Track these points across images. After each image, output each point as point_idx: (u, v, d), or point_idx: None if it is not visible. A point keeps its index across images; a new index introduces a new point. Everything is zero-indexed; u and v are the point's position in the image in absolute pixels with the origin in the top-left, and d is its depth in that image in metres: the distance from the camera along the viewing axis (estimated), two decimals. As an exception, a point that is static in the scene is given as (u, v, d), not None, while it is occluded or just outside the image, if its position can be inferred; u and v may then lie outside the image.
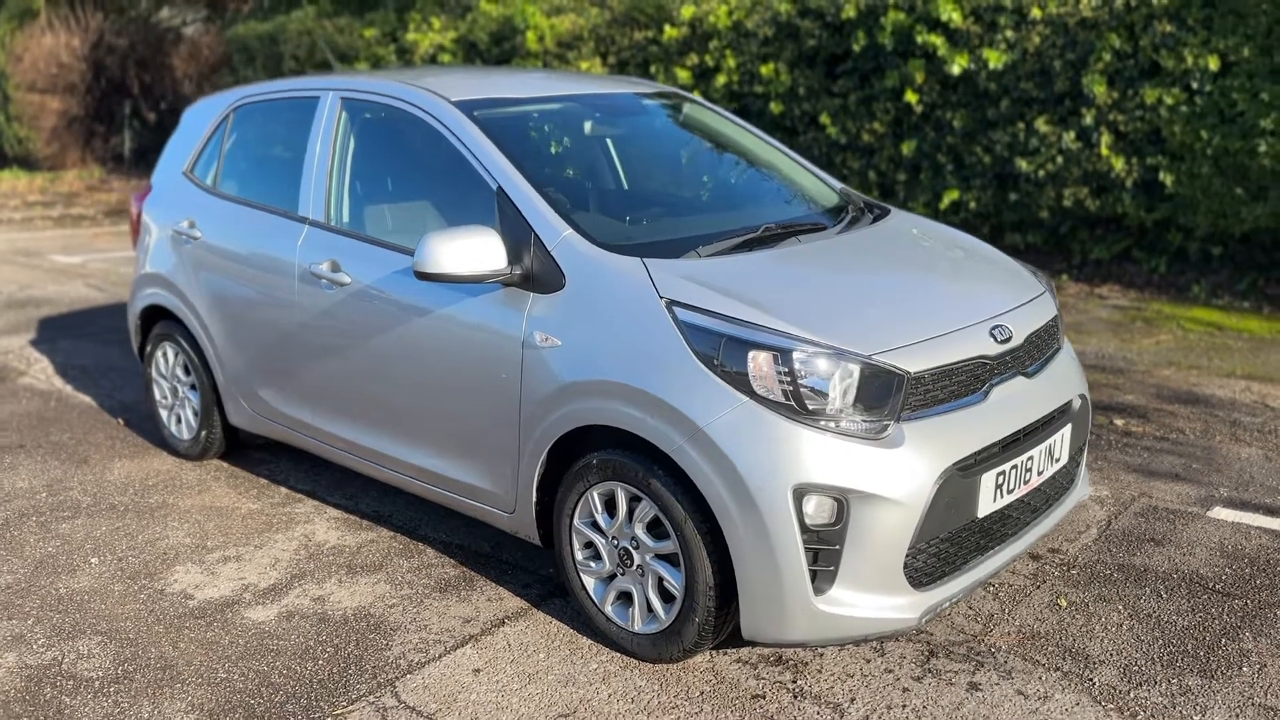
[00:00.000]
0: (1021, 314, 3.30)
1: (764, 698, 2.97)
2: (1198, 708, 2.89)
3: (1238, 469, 4.55)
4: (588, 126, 4.10)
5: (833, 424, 2.80)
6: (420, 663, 3.19)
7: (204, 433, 4.76)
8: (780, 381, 2.82)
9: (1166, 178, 7.86)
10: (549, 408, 3.20)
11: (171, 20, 19.92)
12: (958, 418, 2.96)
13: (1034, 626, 3.32)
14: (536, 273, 3.27)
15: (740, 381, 2.84)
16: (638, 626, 3.15)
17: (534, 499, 3.36)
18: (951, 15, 8.45)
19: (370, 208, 4.00)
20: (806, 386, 2.81)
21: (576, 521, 3.25)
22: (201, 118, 4.80)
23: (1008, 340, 3.14)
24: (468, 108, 3.70)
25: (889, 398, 2.85)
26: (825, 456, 2.76)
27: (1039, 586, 3.57)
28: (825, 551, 2.79)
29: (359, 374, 3.85)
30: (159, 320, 4.92)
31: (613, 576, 3.22)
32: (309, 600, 3.60)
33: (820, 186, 4.17)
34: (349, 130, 4.05)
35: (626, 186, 4.17)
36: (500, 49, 12.12)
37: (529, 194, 3.37)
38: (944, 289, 3.41)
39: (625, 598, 3.21)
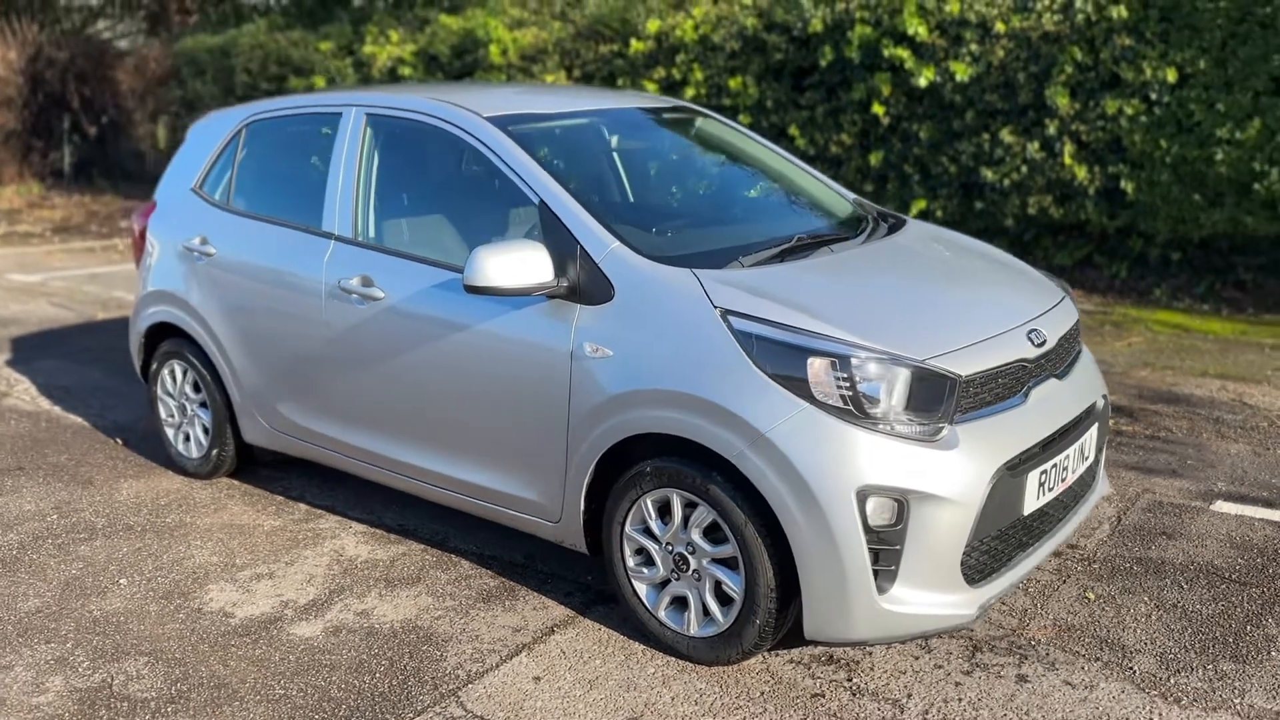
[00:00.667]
0: (1051, 318, 3.43)
1: (823, 696, 3.06)
2: (1236, 691, 3.04)
3: (1229, 464, 4.75)
4: (614, 140, 4.17)
5: (891, 427, 2.90)
6: (479, 672, 3.22)
7: (215, 450, 4.72)
8: (838, 387, 2.91)
9: (1127, 185, 8.14)
10: (600, 417, 3.26)
11: (103, 33, 19.55)
12: (1003, 419, 3.08)
13: (1067, 620, 3.45)
14: (583, 285, 3.33)
15: (799, 387, 2.93)
16: (694, 630, 3.21)
17: (582, 508, 3.41)
18: (918, 29, 8.66)
19: (402, 223, 4.03)
20: (864, 391, 2.91)
21: (628, 528, 3.31)
22: (209, 134, 4.78)
23: (1043, 344, 3.28)
24: (501, 123, 3.75)
25: (943, 401, 2.95)
26: (886, 459, 2.86)
27: (1065, 581, 3.71)
28: (886, 551, 2.89)
29: (393, 388, 3.86)
30: (165, 338, 4.87)
31: (666, 582, 3.28)
32: (353, 615, 3.60)
33: (835, 197, 4.29)
34: (375, 146, 4.07)
35: (655, 199, 4.24)
36: (462, 62, 12.12)
37: (573, 207, 3.42)
38: (978, 295, 3.54)
39: (679, 602, 3.27)
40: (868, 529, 2.85)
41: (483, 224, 3.85)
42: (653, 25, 10.39)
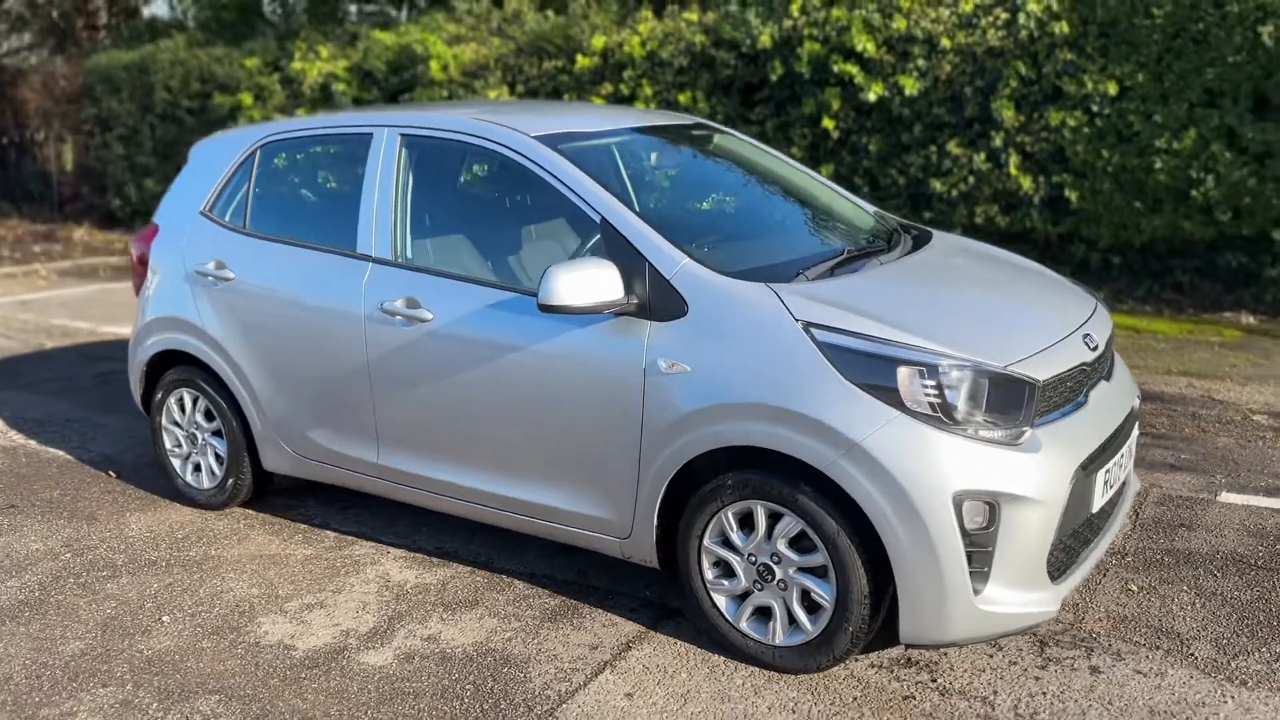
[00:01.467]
0: (1097, 322, 3.60)
1: (914, 698, 3.14)
2: (1294, 671, 3.23)
3: (1220, 457, 5.02)
4: (653, 157, 4.21)
5: (979, 433, 3.01)
6: (569, 692, 3.22)
7: (231, 480, 4.60)
8: (926, 395, 3.01)
9: (1071, 194, 8.50)
10: (677, 432, 3.29)
11: (3, 55, 18.76)
12: (1072, 421, 3.22)
13: (1119, 612, 3.61)
14: (653, 301, 3.36)
15: (890, 396, 3.02)
16: (779, 639, 3.27)
17: (655, 523, 3.43)
18: (866, 46, 8.91)
19: (446, 243, 4.00)
20: (951, 399, 3.01)
21: (707, 541, 3.35)
22: (217, 156, 4.66)
23: (1096, 348, 3.43)
24: (551, 142, 3.76)
25: (1023, 405, 3.07)
26: (978, 463, 2.96)
27: (1104, 575, 3.87)
28: (979, 553, 2.99)
29: (443, 409, 3.83)
30: (172, 366, 4.73)
31: (748, 593, 3.33)
32: (420, 641, 3.56)
33: (857, 209, 4.40)
34: (412, 167, 4.03)
35: (700, 215, 4.28)
36: (399, 78, 12.00)
37: (638, 225, 3.45)
38: (1031, 303, 3.68)
39: (761, 613, 3.32)
40: (963, 532, 2.95)
41: (534, 243, 3.85)
42: (598, 41, 10.45)
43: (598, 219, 3.53)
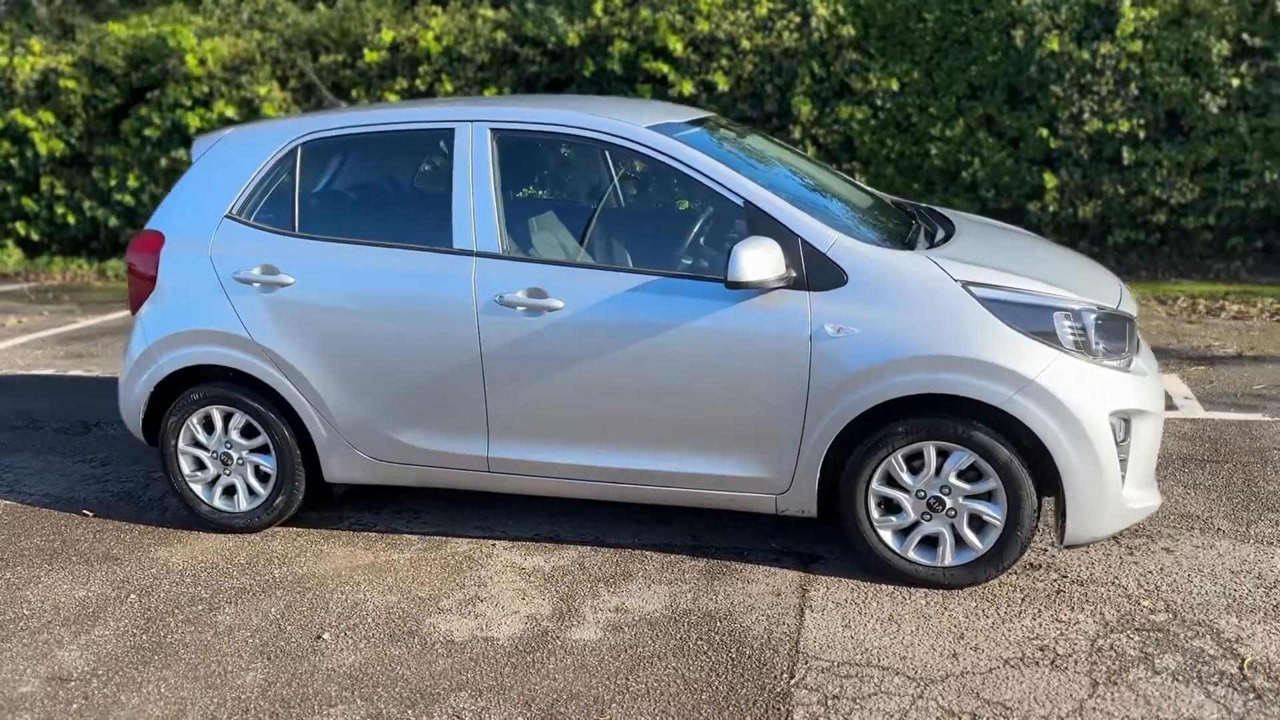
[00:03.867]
0: (1125, 287, 4.39)
1: (1063, 590, 3.77)
2: (1294, 529, 4.21)
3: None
4: (726, 145, 4.46)
5: (1111, 362, 3.68)
6: (793, 631, 3.53)
7: (281, 498, 4.37)
8: (1073, 335, 3.64)
9: (860, 179, 9.61)
10: (846, 390, 3.69)
11: None
12: (1141, 355, 3.97)
13: (1142, 506, 4.45)
14: (809, 273, 3.73)
15: (1049, 340, 3.61)
16: (949, 561, 3.77)
17: (818, 476, 3.81)
18: (675, 45, 9.52)
19: (563, 233, 4.08)
20: (1090, 337, 3.65)
21: (875, 485, 3.78)
22: (239, 156, 4.35)
23: (1132, 304, 4.22)
24: (667, 130, 3.99)
25: (1129, 339, 3.79)
26: (1117, 387, 3.64)
27: (1107, 481, 4.72)
28: (1121, 461, 3.66)
29: (576, 393, 3.95)
30: (192, 385, 4.39)
31: (914, 526, 3.79)
32: (611, 613, 3.70)
33: (882, 199, 4.90)
34: (509, 161, 4.07)
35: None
36: (142, 73, 11.04)
37: (784, 205, 3.81)
38: (1082, 268, 4.35)
39: (926, 541, 3.80)
40: (1116, 444, 3.60)
41: (666, 228, 4.04)
42: (388, 35, 10.29)
43: (740, 202, 3.83)
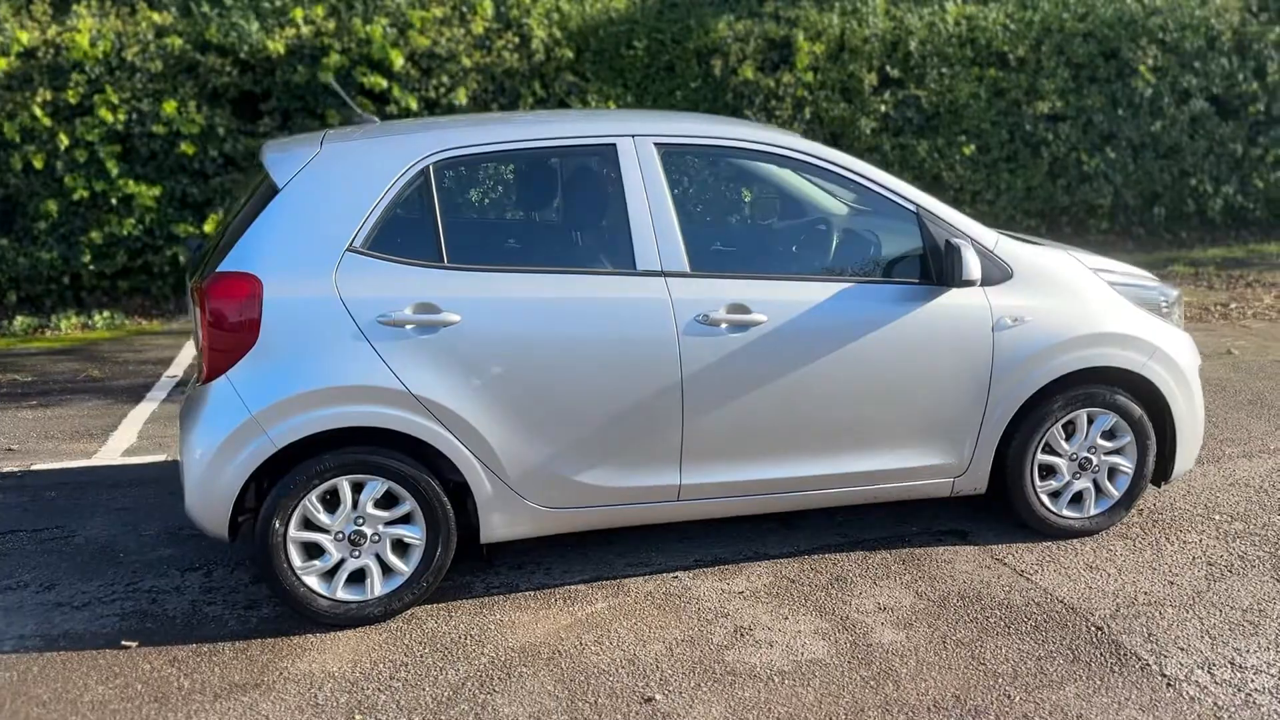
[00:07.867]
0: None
1: (1173, 522, 4.51)
2: None
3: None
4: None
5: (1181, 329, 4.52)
6: (1043, 591, 3.86)
7: (429, 573, 3.72)
8: (1165, 310, 4.41)
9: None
10: (1021, 374, 4.11)
11: None
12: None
13: (1108, 451, 5.39)
14: (985, 271, 4.09)
15: (1158, 313, 4.34)
16: (1093, 511, 4.34)
17: (992, 455, 4.19)
18: (395, 59, 9.04)
19: (745, 244, 3.95)
20: (1172, 311, 4.45)
21: (1040, 455, 4.24)
22: (355, 178, 3.56)
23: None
24: (816, 145, 4.10)
25: (1180, 310, 4.66)
26: (1193, 347, 4.47)
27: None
28: (1198, 405, 4.51)
29: (778, 408, 3.90)
30: (312, 455, 3.56)
31: (1067, 485, 4.30)
32: (877, 612, 3.76)
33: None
34: (678, 175, 3.86)
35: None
36: None
37: (950, 210, 4.11)
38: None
39: (1075, 497, 4.34)
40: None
41: (824, 238, 4.09)
42: (24, 36, 8.50)
43: (913, 209, 4.06)
